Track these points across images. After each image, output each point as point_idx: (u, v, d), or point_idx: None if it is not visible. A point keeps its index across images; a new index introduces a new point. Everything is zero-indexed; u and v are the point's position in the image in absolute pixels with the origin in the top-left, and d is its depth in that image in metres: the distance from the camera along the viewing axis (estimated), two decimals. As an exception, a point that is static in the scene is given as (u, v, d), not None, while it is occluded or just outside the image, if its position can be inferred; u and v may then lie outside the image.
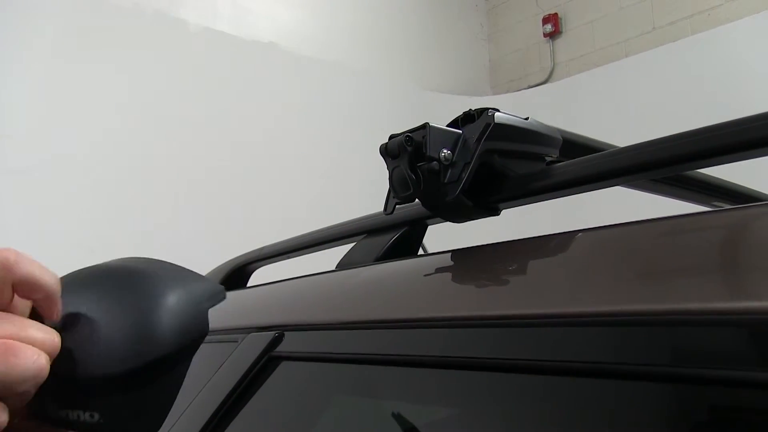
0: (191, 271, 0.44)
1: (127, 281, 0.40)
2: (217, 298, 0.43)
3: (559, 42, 4.98)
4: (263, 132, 3.63)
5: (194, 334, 0.41)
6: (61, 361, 0.36)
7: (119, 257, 0.44)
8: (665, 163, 0.50)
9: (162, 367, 0.39)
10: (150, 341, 0.38)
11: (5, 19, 2.88)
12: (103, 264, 0.43)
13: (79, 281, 0.41)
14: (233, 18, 3.76)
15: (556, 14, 4.95)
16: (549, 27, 4.96)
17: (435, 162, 0.58)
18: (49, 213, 2.80)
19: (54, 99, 2.94)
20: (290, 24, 4.06)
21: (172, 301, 0.39)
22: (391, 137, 0.62)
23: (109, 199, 2.99)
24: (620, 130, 3.52)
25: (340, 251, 0.83)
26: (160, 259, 0.44)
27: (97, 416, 0.39)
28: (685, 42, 3.99)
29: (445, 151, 0.58)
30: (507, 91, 5.15)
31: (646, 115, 3.78)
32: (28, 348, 0.34)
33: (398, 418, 0.56)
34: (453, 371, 0.47)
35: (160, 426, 0.37)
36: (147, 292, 0.39)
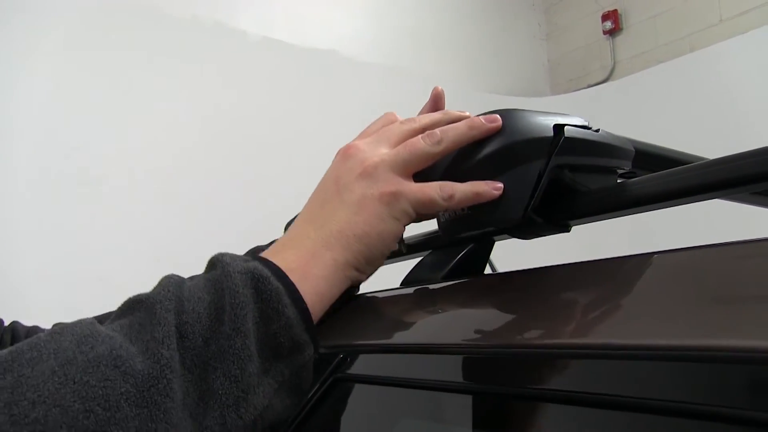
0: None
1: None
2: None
3: (620, 39, 4.86)
4: (325, 139, 3.65)
5: (538, 132, 0.57)
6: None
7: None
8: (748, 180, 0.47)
9: (515, 157, 0.57)
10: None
11: (85, 38, 2.99)
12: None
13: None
14: (290, 26, 3.80)
15: (615, 11, 4.84)
16: (609, 24, 4.85)
17: (504, 179, 0.56)
18: (122, 223, 2.90)
19: (117, 113, 3.04)
20: (348, 30, 4.09)
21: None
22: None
23: (179, 209, 3.07)
24: (686, 130, 3.40)
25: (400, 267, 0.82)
26: None
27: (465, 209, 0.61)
28: (757, 33, 3.78)
29: (513, 167, 0.57)
30: (566, 91, 5.05)
31: (714, 114, 3.63)
32: None
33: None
34: (526, 402, 0.45)
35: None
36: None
